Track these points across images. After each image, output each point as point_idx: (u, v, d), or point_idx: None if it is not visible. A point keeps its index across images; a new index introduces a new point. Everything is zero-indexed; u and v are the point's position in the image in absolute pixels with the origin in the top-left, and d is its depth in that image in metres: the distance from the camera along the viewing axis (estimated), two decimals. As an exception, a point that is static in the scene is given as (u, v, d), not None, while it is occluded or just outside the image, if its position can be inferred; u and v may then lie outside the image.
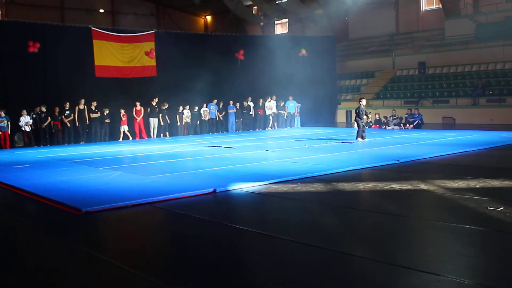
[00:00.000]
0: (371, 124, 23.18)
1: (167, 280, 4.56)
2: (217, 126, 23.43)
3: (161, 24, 36.88)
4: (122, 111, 20.20)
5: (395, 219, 6.47)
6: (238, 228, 6.28)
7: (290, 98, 25.18)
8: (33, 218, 7.60)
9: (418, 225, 6.25)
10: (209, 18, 41.36)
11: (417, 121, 21.68)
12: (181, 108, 21.77)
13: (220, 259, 5.12)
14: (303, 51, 26.98)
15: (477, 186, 8.18)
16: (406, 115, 22.30)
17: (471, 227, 5.87)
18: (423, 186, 8.38)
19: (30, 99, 18.97)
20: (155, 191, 8.28)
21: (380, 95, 28.10)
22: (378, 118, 23.25)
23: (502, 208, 6.59)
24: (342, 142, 15.83)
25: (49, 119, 18.84)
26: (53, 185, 9.38)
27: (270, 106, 24.71)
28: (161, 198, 7.86)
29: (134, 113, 20.59)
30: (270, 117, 24.86)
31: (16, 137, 18.91)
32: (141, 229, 6.67)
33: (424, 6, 30.01)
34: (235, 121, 23.71)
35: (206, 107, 22.75)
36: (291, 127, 25.21)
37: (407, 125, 21.87)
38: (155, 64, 22.38)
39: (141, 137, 20.68)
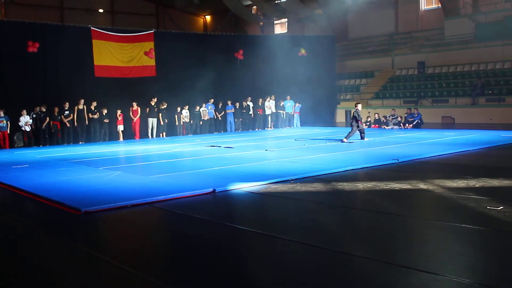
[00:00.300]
0: (369, 123, 23.19)
1: (167, 280, 4.56)
2: (216, 126, 23.43)
3: (160, 24, 36.88)
4: (119, 111, 20.18)
5: (395, 218, 6.47)
6: (237, 228, 6.28)
7: (288, 97, 25.19)
8: (33, 218, 7.60)
9: (417, 224, 6.26)
10: (208, 18, 41.36)
11: (416, 121, 21.69)
12: (179, 108, 21.74)
13: (219, 259, 5.12)
14: (303, 51, 26.98)
15: (477, 186, 8.18)
16: (406, 115, 22.30)
17: (471, 226, 5.88)
18: (422, 185, 8.39)
19: (30, 99, 18.96)
20: (155, 191, 8.28)
21: (380, 95, 28.10)
22: (377, 118, 23.25)
23: (501, 207, 6.59)
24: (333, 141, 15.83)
25: (48, 119, 18.83)
26: (53, 185, 9.38)
27: (270, 105, 24.72)
28: (160, 198, 7.86)
29: (130, 113, 20.57)
30: (269, 117, 24.86)
31: (15, 137, 18.90)
32: (140, 229, 6.67)
33: (424, 5, 30.00)
34: (234, 121, 23.69)
35: (205, 107, 22.74)
36: (290, 126, 25.21)
37: (407, 124, 21.87)
38: (154, 64, 22.37)
39: (137, 137, 20.66)
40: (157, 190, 8.35)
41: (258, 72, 25.02)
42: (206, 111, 22.76)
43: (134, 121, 20.65)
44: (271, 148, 14.66)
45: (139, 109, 20.69)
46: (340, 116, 29.25)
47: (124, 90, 21.15)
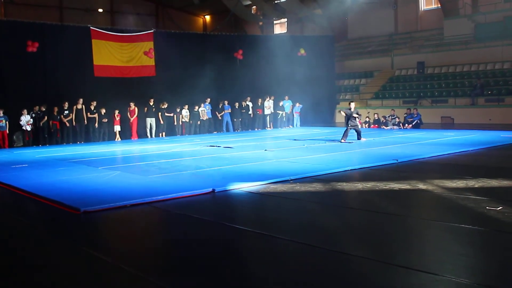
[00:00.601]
0: (369, 123, 23.19)
1: (166, 279, 4.56)
2: (215, 126, 23.42)
3: (160, 24, 36.86)
4: (116, 111, 20.16)
5: (394, 218, 6.47)
6: (237, 228, 6.28)
7: (286, 97, 25.20)
8: (32, 218, 7.60)
9: (416, 224, 6.26)
10: (208, 17, 41.35)
11: (415, 121, 21.69)
12: (178, 108, 21.72)
13: (219, 259, 5.12)
14: (302, 51, 26.98)
15: (476, 186, 8.19)
16: (405, 115, 22.30)
17: (470, 226, 5.88)
18: (421, 185, 8.39)
19: (29, 98, 18.94)
20: (154, 191, 8.27)
21: (379, 95, 28.11)
22: (377, 118, 23.26)
23: (500, 207, 6.60)
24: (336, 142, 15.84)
25: (46, 118, 18.82)
26: (52, 184, 9.37)
27: (269, 105, 24.73)
28: (159, 198, 7.86)
29: (128, 113, 20.54)
30: (268, 117, 24.87)
31: (14, 137, 18.89)
32: (139, 229, 6.67)
33: (423, 6, 30.02)
34: (233, 120, 23.68)
35: (203, 107, 22.74)
36: (290, 126, 25.21)
37: (406, 125, 21.88)
38: (154, 63, 22.36)
39: (134, 137, 20.63)
40: (156, 190, 8.35)
41: (258, 72, 25.02)
42: (205, 111, 22.76)
43: (131, 121, 20.62)
44: (271, 148, 14.66)
45: (136, 109, 20.66)
46: (340, 116, 29.10)
47: (124, 90, 21.15)
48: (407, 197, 7.76)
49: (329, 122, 27.80)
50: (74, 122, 19.40)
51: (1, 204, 8.73)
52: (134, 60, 21.99)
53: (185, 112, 22.05)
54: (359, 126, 16.75)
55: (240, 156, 13.07)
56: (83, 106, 19.54)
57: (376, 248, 5.24)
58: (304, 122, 25.84)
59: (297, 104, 25.34)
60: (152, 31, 22.93)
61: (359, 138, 16.08)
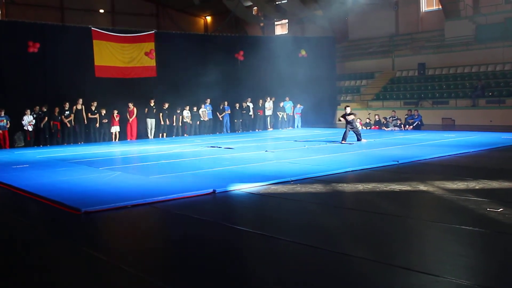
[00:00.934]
0: (370, 125, 23.19)
1: (166, 280, 4.57)
2: (216, 127, 23.42)
3: (161, 25, 36.87)
4: (115, 112, 20.14)
5: (394, 220, 6.47)
6: (237, 228, 6.28)
7: (287, 98, 25.20)
8: (33, 218, 7.61)
9: (417, 226, 6.26)
10: (209, 18, 41.36)
11: (416, 122, 21.68)
12: (178, 110, 21.69)
13: (219, 259, 5.12)
14: (303, 52, 26.97)
15: (477, 187, 8.19)
16: (406, 116, 22.29)
17: (471, 228, 5.88)
18: (422, 187, 8.39)
19: (30, 99, 18.95)
20: (155, 192, 8.28)
21: (380, 96, 28.10)
22: (377, 119, 23.25)
23: (501, 209, 6.60)
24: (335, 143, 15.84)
25: (46, 118, 18.83)
26: (53, 185, 9.38)
27: (270, 106, 24.74)
28: (160, 198, 7.86)
29: (127, 113, 20.50)
30: (269, 118, 24.88)
31: (15, 137, 18.90)
32: (140, 229, 6.67)
33: (424, 7, 30.01)
34: (234, 121, 23.67)
35: (204, 108, 22.75)
36: (291, 127, 25.21)
37: (407, 126, 21.87)
38: (155, 64, 22.36)
39: (133, 138, 20.61)
40: (157, 191, 8.36)
41: (259, 73, 25.01)
42: (206, 111, 22.77)
43: (130, 121, 20.60)
44: (271, 149, 14.67)
45: (135, 109, 20.64)
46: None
47: (125, 90, 21.14)
48: (407, 198, 7.76)
49: (330, 123, 27.79)
50: (73, 122, 19.40)
51: (2, 204, 8.74)
52: (135, 61, 22.00)
53: (186, 113, 22.06)
54: (359, 128, 16.73)
55: (241, 157, 13.07)
56: (83, 107, 19.54)
57: (377, 249, 5.24)
58: (304, 123, 25.83)
59: (298, 105, 25.34)
60: (153, 32, 22.94)
61: (359, 140, 16.08)
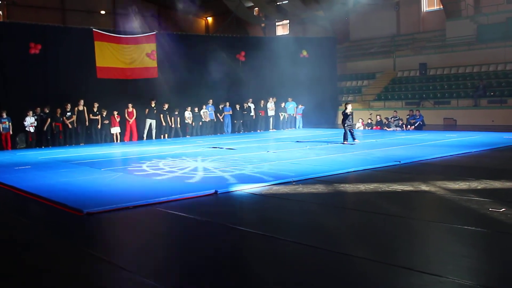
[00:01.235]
0: (371, 125, 23.18)
1: (168, 281, 4.57)
2: (217, 127, 23.43)
3: (162, 26, 36.89)
4: (115, 113, 20.15)
5: (396, 220, 6.47)
6: (239, 229, 6.28)
7: (289, 99, 25.20)
8: (35, 219, 7.61)
9: (419, 226, 6.25)
10: (210, 19, 41.38)
11: (418, 122, 21.67)
12: (177, 110, 21.68)
13: (221, 260, 5.13)
14: (304, 52, 26.98)
15: (479, 188, 8.18)
16: (407, 116, 22.28)
17: (473, 228, 5.87)
18: (424, 187, 8.38)
19: (32, 100, 18.98)
20: (156, 193, 8.29)
21: (381, 96, 28.09)
22: (379, 120, 23.24)
23: (503, 209, 6.59)
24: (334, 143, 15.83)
25: (49, 120, 18.85)
26: (55, 186, 9.40)
27: (272, 107, 24.75)
28: (162, 199, 7.87)
29: (126, 114, 20.51)
30: (271, 118, 24.88)
31: (17, 138, 18.93)
32: (142, 230, 6.68)
33: (425, 7, 30.01)
34: (234, 122, 23.67)
35: (205, 108, 22.76)
36: (292, 128, 25.21)
37: (408, 126, 21.86)
38: (156, 65, 22.39)
39: (130, 139, 20.59)
40: (159, 192, 8.37)
41: (260, 73, 25.00)
42: (207, 112, 22.78)
43: (130, 122, 20.60)
44: (273, 150, 14.67)
45: (134, 110, 20.63)
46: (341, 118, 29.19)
47: (126, 91, 21.17)
48: (409, 199, 7.75)
49: (332, 123, 27.78)
50: (75, 124, 19.42)
51: (4, 205, 8.75)
52: (137, 62, 22.02)
53: (188, 113, 22.07)
54: (353, 127, 16.53)
55: (243, 157, 13.07)
56: (85, 108, 19.56)
57: (379, 249, 5.24)
58: (306, 124, 25.84)
59: (300, 106, 25.35)
60: (154, 33, 22.96)
61: (353, 139, 15.89)
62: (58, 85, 19.92)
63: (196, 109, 22.33)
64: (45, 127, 18.75)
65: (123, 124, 20.52)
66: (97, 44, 20.85)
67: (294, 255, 5.22)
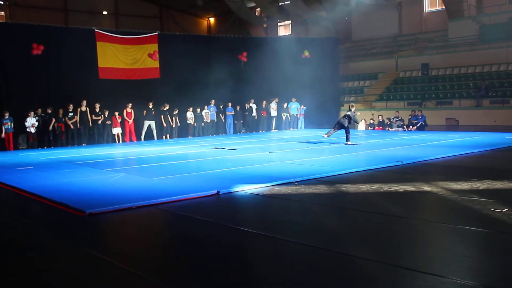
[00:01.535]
0: (373, 124, 23.17)
1: (170, 281, 4.57)
2: (219, 128, 23.44)
3: (164, 26, 36.94)
4: (116, 113, 20.16)
5: (398, 220, 6.46)
6: (241, 229, 6.28)
7: (293, 99, 25.20)
8: (37, 220, 7.63)
9: (421, 226, 6.25)
10: (212, 20, 41.41)
11: (420, 123, 21.65)
12: (176, 111, 21.68)
13: (222, 260, 5.13)
14: (306, 53, 26.96)
15: (481, 188, 8.17)
16: (410, 117, 22.26)
17: (475, 228, 5.86)
18: (426, 187, 8.37)
19: (34, 101, 19.02)
20: (159, 193, 8.29)
21: (383, 97, 28.07)
22: (381, 120, 23.23)
23: (506, 209, 6.58)
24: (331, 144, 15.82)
25: (53, 120, 18.89)
26: (57, 186, 9.40)
27: (275, 107, 24.76)
28: (164, 200, 7.87)
29: (125, 115, 20.51)
30: (274, 119, 24.89)
31: (20, 139, 18.96)
32: (144, 230, 6.68)
33: (427, 7, 29.98)
34: (234, 123, 23.69)
35: (207, 109, 22.77)
36: (294, 128, 25.21)
37: (410, 126, 21.84)
38: (158, 66, 22.41)
39: (130, 140, 20.59)
40: (161, 192, 8.37)
41: (262, 74, 25.00)
42: (209, 113, 22.79)
43: (130, 123, 20.60)
44: (275, 150, 14.67)
45: (133, 111, 20.60)
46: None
47: (128, 92, 21.18)
48: (411, 199, 7.74)
49: (333, 124, 27.69)
50: (78, 124, 19.45)
51: (6, 206, 8.77)
52: (139, 63, 22.04)
53: (190, 114, 22.09)
54: (348, 128, 16.50)
55: (244, 158, 13.07)
56: (87, 108, 19.59)
57: (381, 250, 5.24)
58: (308, 124, 25.84)
59: (302, 106, 25.35)
60: (156, 33, 22.97)
61: (347, 140, 15.87)
62: (60, 85, 19.95)
63: (198, 110, 22.34)
64: (50, 127, 18.79)
65: (123, 124, 20.53)
66: (99, 45, 20.88)
67: (296, 255, 5.22)
